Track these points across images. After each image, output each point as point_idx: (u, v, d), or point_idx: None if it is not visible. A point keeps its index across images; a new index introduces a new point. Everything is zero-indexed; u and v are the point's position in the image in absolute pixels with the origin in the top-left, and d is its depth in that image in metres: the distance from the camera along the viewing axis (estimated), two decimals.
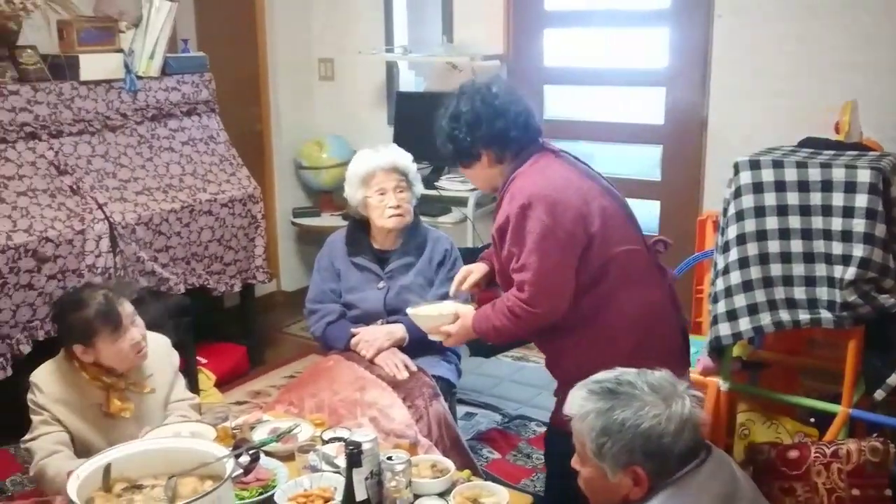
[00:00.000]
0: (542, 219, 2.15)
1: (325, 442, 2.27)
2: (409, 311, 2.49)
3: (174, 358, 2.58)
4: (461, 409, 3.62)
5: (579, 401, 1.64)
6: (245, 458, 1.86)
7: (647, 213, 4.34)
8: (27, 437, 2.35)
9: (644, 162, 4.36)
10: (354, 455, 1.69)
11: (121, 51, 3.69)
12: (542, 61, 4.50)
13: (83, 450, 2.30)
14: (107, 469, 1.82)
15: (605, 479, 1.60)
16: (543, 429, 3.53)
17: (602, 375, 1.67)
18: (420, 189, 3.06)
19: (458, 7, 4.59)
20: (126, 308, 2.36)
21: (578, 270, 2.21)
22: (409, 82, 5.02)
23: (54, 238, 3.23)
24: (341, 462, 2.03)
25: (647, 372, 1.65)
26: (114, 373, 2.37)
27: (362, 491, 1.70)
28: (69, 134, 3.50)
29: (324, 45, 5.14)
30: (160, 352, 2.52)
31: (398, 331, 2.84)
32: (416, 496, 2.01)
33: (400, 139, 4.75)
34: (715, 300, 2.71)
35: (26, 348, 3.18)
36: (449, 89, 4.57)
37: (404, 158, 2.99)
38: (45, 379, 2.36)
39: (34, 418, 2.34)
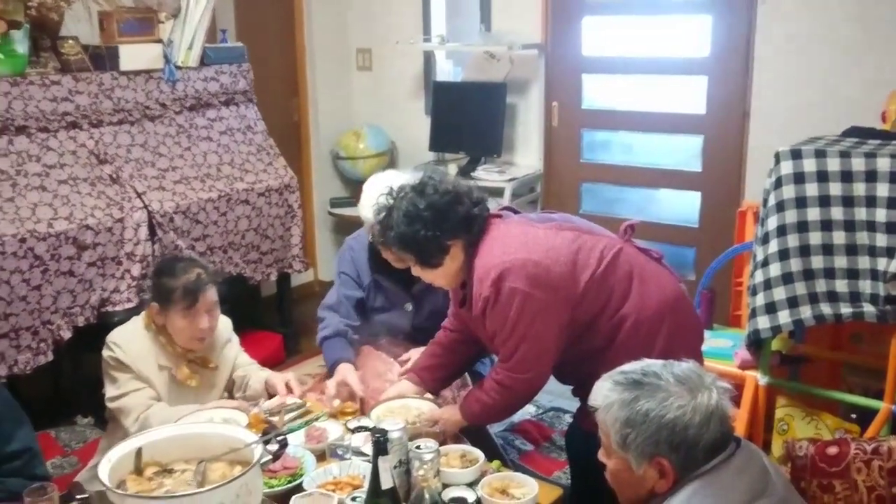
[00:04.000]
0: (516, 287, 2.08)
1: (352, 431, 2.27)
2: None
3: (235, 338, 2.68)
4: None
5: (604, 392, 1.61)
6: (273, 445, 1.86)
7: (687, 203, 4.28)
8: (114, 394, 2.40)
9: (685, 152, 4.28)
10: (381, 443, 1.68)
11: (160, 41, 3.73)
12: (580, 50, 4.45)
13: (125, 414, 2.37)
14: (138, 452, 1.84)
15: (631, 471, 1.57)
16: None
17: (628, 367, 1.64)
18: None
19: None
20: (209, 295, 2.41)
21: (578, 307, 2.15)
22: (446, 72, 5.01)
23: (94, 226, 3.28)
24: (369, 450, 2.03)
25: (674, 363, 1.62)
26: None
27: (388, 479, 1.69)
28: (109, 123, 3.55)
29: (361, 35, 5.14)
30: (225, 332, 2.62)
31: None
32: (445, 486, 2.00)
33: (437, 129, 4.76)
34: (754, 293, 2.66)
35: (67, 334, 3.24)
36: (487, 79, 4.60)
37: None
38: (123, 338, 2.44)
39: (119, 375, 2.40)
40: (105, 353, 2.43)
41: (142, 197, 3.49)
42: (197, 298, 2.38)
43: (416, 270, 2.28)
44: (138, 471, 1.84)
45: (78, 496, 1.67)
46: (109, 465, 1.75)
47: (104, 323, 3.31)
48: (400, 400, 2.39)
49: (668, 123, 4.29)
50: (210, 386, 2.55)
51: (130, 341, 2.44)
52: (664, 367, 1.60)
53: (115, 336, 2.46)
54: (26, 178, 3.21)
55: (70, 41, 3.51)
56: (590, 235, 2.24)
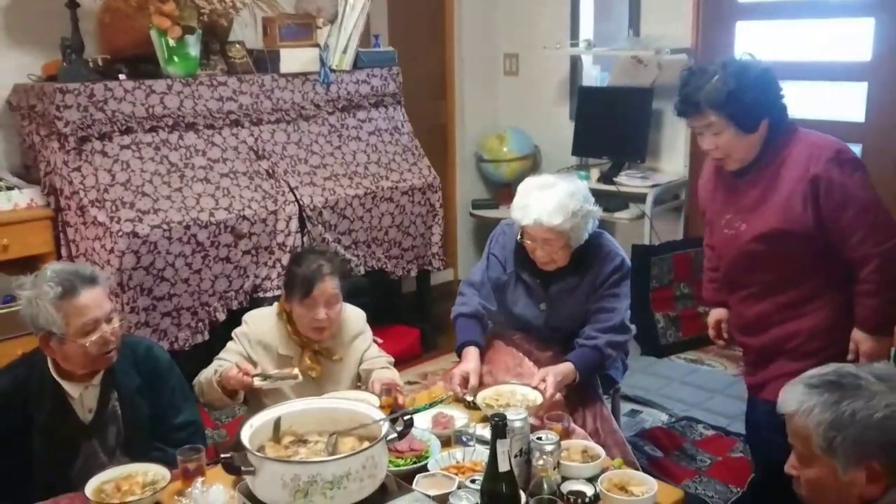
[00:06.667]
0: (858, 159, 2.26)
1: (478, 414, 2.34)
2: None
3: (367, 331, 2.71)
4: (625, 406, 3.57)
5: (798, 396, 1.52)
6: (399, 425, 1.94)
7: None
8: (218, 355, 2.57)
9: None
10: (499, 426, 1.73)
11: (317, 45, 3.95)
12: (732, 55, 4.33)
13: (264, 393, 2.47)
14: (277, 422, 1.97)
15: (836, 478, 1.48)
16: (711, 432, 3.43)
17: (817, 371, 1.56)
18: (585, 228, 2.65)
19: None
20: (328, 286, 2.45)
21: (843, 234, 2.21)
22: (592, 77, 5.00)
23: (250, 217, 3.52)
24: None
25: (866, 364, 1.54)
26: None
27: (505, 462, 1.73)
28: (268, 122, 3.79)
29: (509, 40, 5.22)
30: (357, 325, 2.66)
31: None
32: (565, 478, 2.02)
33: (581, 134, 4.76)
34: None
35: (222, 316, 3.49)
36: (634, 84, 4.56)
37: (554, 214, 2.53)
38: (255, 318, 2.59)
39: (230, 345, 2.56)
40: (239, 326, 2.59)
41: (294, 191, 3.70)
42: (312, 288, 2.42)
43: (721, 135, 2.28)
44: (276, 439, 1.97)
45: (222, 455, 1.82)
46: (251, 430, 1.89)
47: (255, 307, 3.54)
48: (507, 385, 2.47)
49: (824, 132, 4.09)
50: (335, 381, 2.55)
51: (260, 321, 2.56)
52: (858, 367, 1.53)
53: (249, 314, 2.61)
54: (193, 171, 3.49)
55: (237, 45, 3.79)
56: None
